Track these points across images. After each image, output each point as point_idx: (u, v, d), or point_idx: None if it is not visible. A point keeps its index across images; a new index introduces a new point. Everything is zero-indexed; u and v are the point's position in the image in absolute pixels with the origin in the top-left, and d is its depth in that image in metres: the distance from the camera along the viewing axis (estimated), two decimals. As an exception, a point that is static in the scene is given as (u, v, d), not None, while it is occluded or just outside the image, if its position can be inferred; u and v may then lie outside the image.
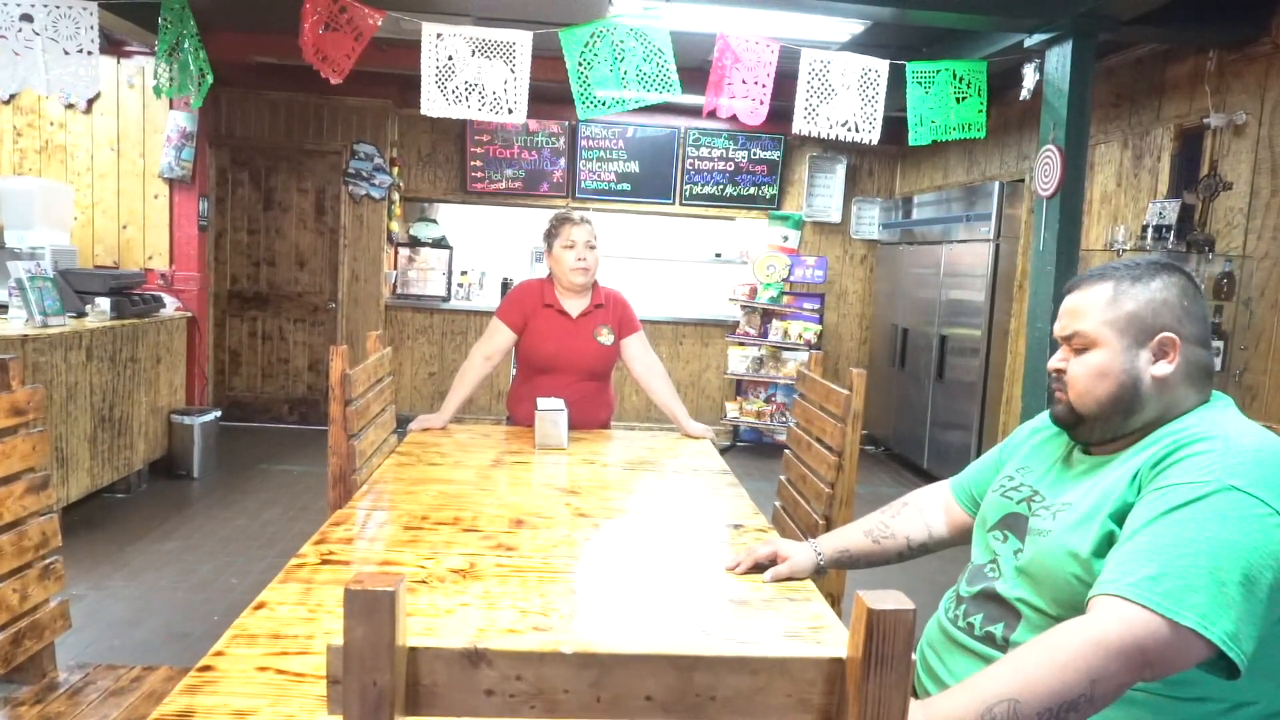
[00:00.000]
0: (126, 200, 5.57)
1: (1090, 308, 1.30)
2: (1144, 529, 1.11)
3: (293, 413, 6.58)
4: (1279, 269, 3.53)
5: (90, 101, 5.44)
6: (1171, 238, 3.72)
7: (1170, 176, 4.13)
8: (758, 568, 1.72)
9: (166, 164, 5.47)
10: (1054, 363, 1.36)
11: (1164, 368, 1.25)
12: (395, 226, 6.69)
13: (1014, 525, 1.38)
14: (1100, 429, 1.30)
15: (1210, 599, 1.02)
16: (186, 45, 3.50)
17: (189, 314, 5.48)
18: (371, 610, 0.67)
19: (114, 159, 5.54)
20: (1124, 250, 3.92)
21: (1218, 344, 3.65)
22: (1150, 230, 3.79)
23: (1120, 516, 1.18)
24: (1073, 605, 1.19)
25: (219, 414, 5.36)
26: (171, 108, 5.44)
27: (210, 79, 3.57)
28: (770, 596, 1.61)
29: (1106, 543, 1.17)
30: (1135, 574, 1.06)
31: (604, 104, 3.57)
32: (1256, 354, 3.60)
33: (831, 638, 1.46)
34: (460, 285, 7.03)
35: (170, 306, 5.28)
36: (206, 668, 1.23)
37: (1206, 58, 3.88)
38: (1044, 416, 1.53)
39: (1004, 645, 1.28)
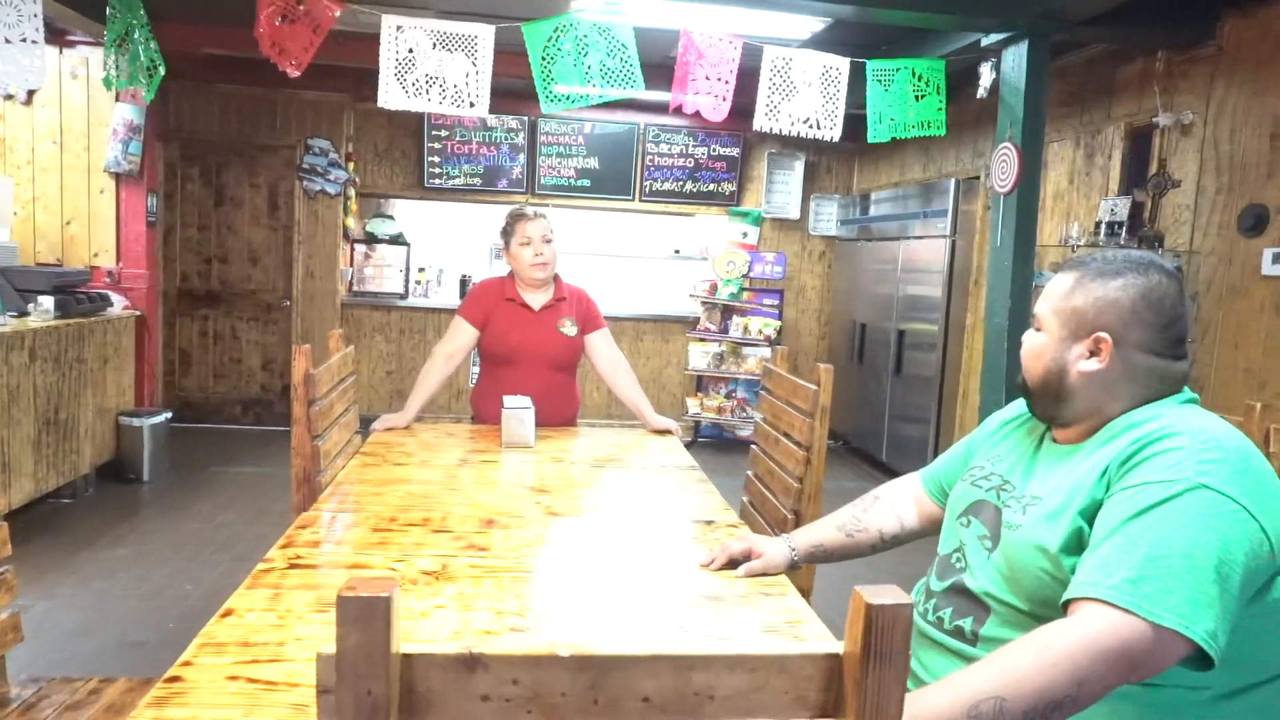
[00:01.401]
0: (70, 195, 5.40)
1: (1052, 293, 1.36)
2: (1120, 529, 1.12)
3: (246, 413, 6.44)
4: (1224, 264, 3.64)
5: (31, 93, 5.25)
6: (1123, 234, 3.81)
7: (1121, 174, 4.23)
8: (731, 563, 1.72)
9: (113, 158, 5.31)
10: (1024, 336, 1.43)
11: (1092, 365, 1.29)
12: (351, 223, 6.58)
13: (979, 511, 1.40)
14: (1041, 407, 1.38)
15: (1189, 599, 1.04)
16: (137, 36, 3.40)
17: (137, 313, 5.32)
18: (366, 616, 0.65)
19: (56, 152, 5.35)
20: (1078, 246, 4.00)
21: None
22: (1103, 227, 3.88)
23: (1089, 513, 1.19)
24: (1042, 600, 1.21)
25: (170, 415, 5.22)
26: (118, 100, 5.27)
27: (163, 71, 3.47)
28: (745, 592, 1.61)
29: (1075, 538, 1.19)
30: (1115, 576, 1.08)
31: (568, 99, 3.54)
32: (1203, 347, 3.70)
33: (809, 631, 1.46)
34: (418, 282, 6.94)
35: (118, 305, 5.13)
36: (174, 678, 1.19)
37: (1155, 59, 3.97)
38: (1014, 407, 1.56)
39: (973, 640, 1.29)
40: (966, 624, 1.31)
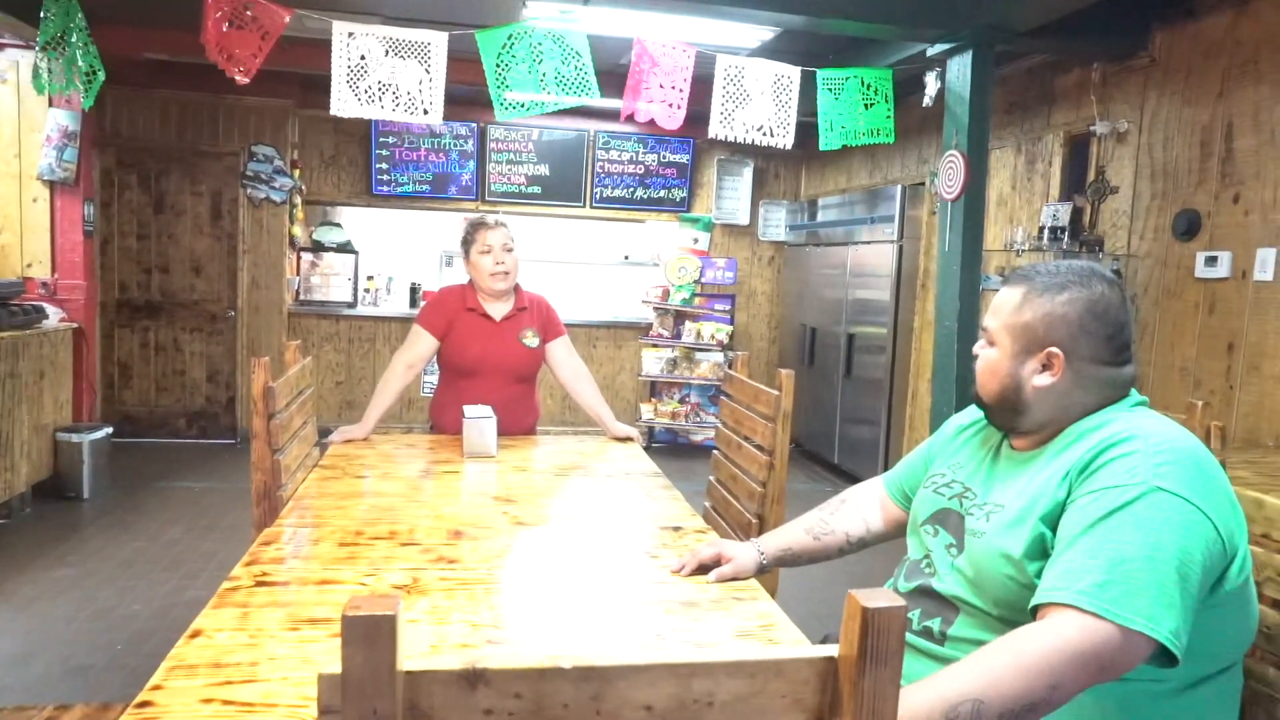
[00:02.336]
0: (0, 204, 5.20)
1: (1002, 307, 1.39)
2: (1084, 535, 1.16)
3: (191, 426, 6.27)
4: (1160, 267, 3.78)
5: (-42, 98, 5.05)
6: (1065, 238, 3.93)
7: (1062, 180, 4.37)
8: (702, 569, 1.73)
9: (46, 165, 5.14)
10: (975, 347, 1.46)
11: (1045, 379, 1.33)
12: (297, 231, 6.46)
13: (945, 520, 1.43)
14: (999, 419, 1.42)
15: (1153, 601, 1.09)
16: (74, 39, 3.29)
17: (74, 325, 5.15)
18: (372, 635, 0.65)
19: (-14, 160, 5.16)
20: (1023, 251, 4.13)
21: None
22: (1046, 231, 4.00)
23: (1051, 519, 1.24)
24: (1008, 603, 1.25)
25: (110, 430, 5.06)
26: (51, 105, 5.10)
27: (102, 76, 3.37)
28: (718, 597, 1.63)
29: (1039, 544, 1.23)
30: (1083, 581, 1.12)
31: (522, 106, 3.53)
32: (1141, 346, 3.84)
33: (782, 635, 1.48)
34: (367, 290, 6.84)
35: (54, 317, 4.96)
36: (145, 703, 1.16)
37: (1092, 70, 4.12)
38: (971, 412, 1.60)
39: (941, 639, 1.33)
40: (935, 624, 1.34)
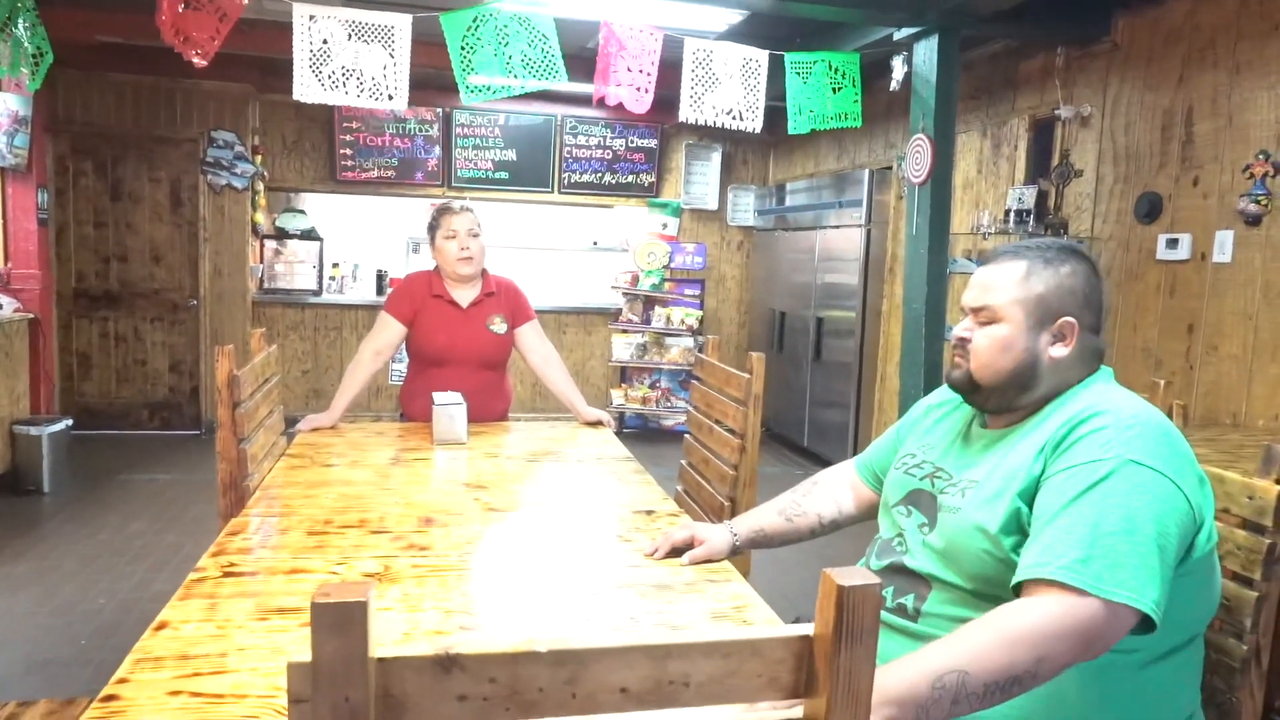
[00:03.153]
0: (-49, 192, 5.06)
1: (1003, 284, 1.36)
2: (1063, 511, 1.18)
3: (154, 418, 6.16)
4: (1122, 249, 3.84)
5: (-97, 82, 4.89)
6: (1031, 221, 3.97)
7: (1027, 164, 4.42)
8: (675, 551, 1.74)
9: (-3, 152, 5.00)
10: (959, 331, 1.42)
11: (1061, 350, 1.33)
12: (260, 218, 6.35)
13: (918, 501, 1.44)
14: (996, 399, 1.37)
15: (1134, 573, 1.11)
16: (21, 21, 3.19)
17: (30, 315, 5.03)
18: (343, 623, 0.64)
19: (-66, 146, 5.00)
20: (989, 234, 4.17)
21: (1072, 320, 3.93)
22: (1012, 214, 4.04)
23: (1027, 495, 1.25)
24: (984, 578, 1.27)
25: (70, 423, 4.96)
26: (0, 89, 4.96)
27: (50, 58, 3.27)
28: (692, 580, 1.63)
29: (1015, 519, 1.25)
30: (1065, 557, 1.13)
31: (488, 90, 3.49)
32: (1105, 328, 3.90)
33: (755, 615, 1.49)
34: (332, 278, 6.75)
35: (8, 308, 4.84)
36: (111, 697, 1.14)
37: (1056, 54, 4.16)
38: (940, 393, 1.61)
39: (915, 615, 1.34)
40: (909, 601, 1.36)
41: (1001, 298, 1.36)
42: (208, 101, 6.01)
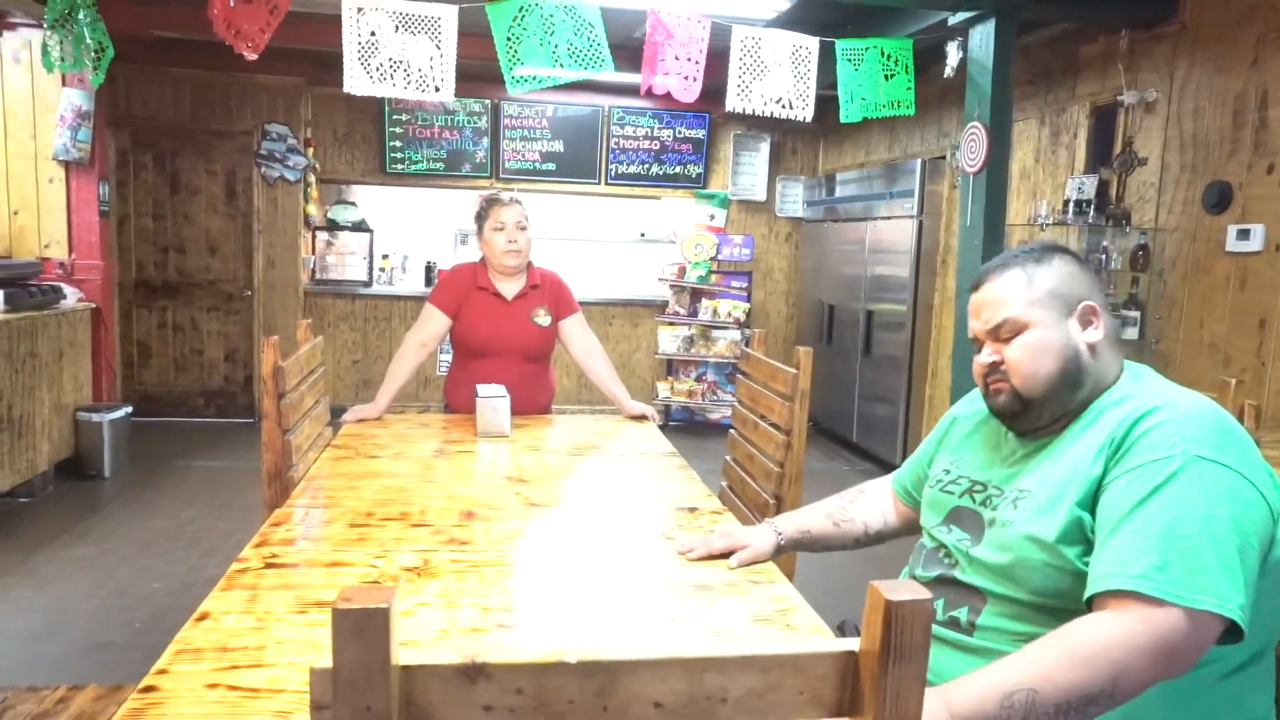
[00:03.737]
0: (17, 185, 5.20)
1: (1010, 295, 1.31)
2: (1130, 515, 1.11)
3: (209, 406, 6.30)
4: (1188, 241, 3.68)
5: (-28, 78, 5.05)
6: (1091, 212, 3.84)
7: (1087, 152, 4.26)
8: (711, 558, 1.70)
9: (61, 145, 5.13)
10: (985, 358, 1.34)
11: (1094, 334, 1.29)
12: (312, 210, 6.44)
13: (959, 519, 1.38)
14: (1049, 409, 1.29)
15: (1217, 577, 1.03)
16: (81, 16, 3.26)
17: (92, 305, 5.16)
18: (364, 630, 0.62)
19: (0, 140, 5.16)
20: (1047, 225, 4.03)
21: (1135, 314, 3.79)
22: (1071, 205, 3.91)
23: (1087, 502, 1.18)
24: (1045, 590, 1.20)
25: (130, 410, 5.08)
26: (65, 85, 5.09)
27: (110, 52, 3.34)
28: (734, 580, 1.59)
29: (1076, 528, 1.18)
30: (1138, 564, 1.06)
31: (534, 80, 3.47)
32: (1169, 323, 3.75)
33: (800, 620, 1.45)
34: (382, 270, 6.83)
35: (71, 298, 4.97)
36: (150, 688, 1.14)
37: (1119, 37, 4.00)
38: (965, 403, 1.55)
39: (969, 629, 1.27)
40: (962, 614, 1.29)
41: (1017, 306, 1.30)
42: (261, 95, 6.10)
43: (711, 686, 0.71)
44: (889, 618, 0.68)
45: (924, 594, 0.69)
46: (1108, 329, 1.30)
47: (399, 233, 6.98)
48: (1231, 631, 1.04)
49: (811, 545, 1.70)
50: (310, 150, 6.30)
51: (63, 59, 3.30)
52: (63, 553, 3.75)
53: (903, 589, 0.69)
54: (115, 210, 5.88)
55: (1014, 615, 1.24)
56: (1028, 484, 1.28)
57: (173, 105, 6.00)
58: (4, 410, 4.12)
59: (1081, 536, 1.17)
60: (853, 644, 0.73)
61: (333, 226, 6.70)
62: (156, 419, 6.13)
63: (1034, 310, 1.29)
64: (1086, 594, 1.11)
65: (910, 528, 1.66)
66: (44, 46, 3.23)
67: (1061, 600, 1.17)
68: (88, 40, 3.25)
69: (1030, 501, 1.25)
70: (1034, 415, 1.30)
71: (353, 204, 6.83)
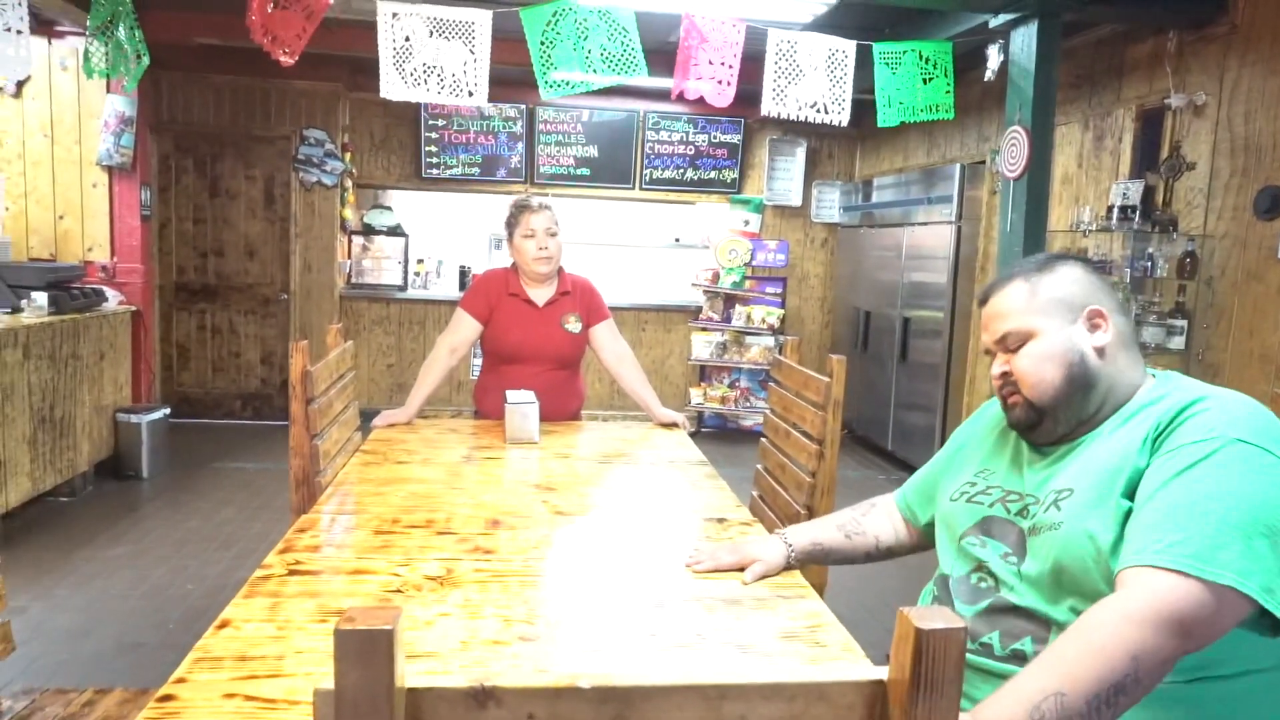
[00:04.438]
0: (62, 189, 5.32)
1: (1013, 306, 1.32)
2: (1158, 494, 1.08)
3: (245, 408, 6.38)
4: (1239, 248, 3.57)
5: (20, 84, 5.17)
6: (1137, 218, 3.74)
7: (1132, 157, 4.15)
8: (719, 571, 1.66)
9: (105, 151, 5.23)
10: (996, 370, 1.35)
11: (1101, 337, 1.28)
12: (348, 214, 6.50)
13: (990, 529, 1.33)
14: (1064, 418, 1.28)
15: (1240, 554, 1.00)
16: (121, 24, 3.31)
17: (133, 308, 5.26)
18: (367, 652, 0.59)
19: (48, 145, 5.27)
20: (1090, 231, 3.93)
21: (1182, 323, 3.68)
22: (1115, 211, 3.80)
23: (1133, 492, 1.15)
24: (1098, 596, 1.14)
25: (168, 411, 5.16)
26: (109, 91, 5.19)
27: (146, 60, 3.39)
28: (763, 595, 1.55)
29: (1124, 522, 1.14)
30: (1160, 541, 1.03)
31: (567, 85, 3.46)
32: (1217, 332, 3.63)
33: (830, 637, 1.40)
34: (417, 274, 6.87)
35: (113, 300, 5.06)
36: (167, 697, 1.13)
37: (1166, 38, 3.89)
38: (978, 418, 1.53)
39: None
40: (1026, 645, 1.21)
41: (1020, 317, 1.31)
42: (300, 100, 6.17)
43: (731, 715, 0.68)
44: (919, 647, 0.64)
45: (957, 623, 0.65)
46: (1119, 332, 1.29)
47: (434, 237, 7.02)
48: (1269, 622, 1.01)
49: (824, 558, 1.66)
50: (347, 155, 6.36)
51: (104, 65, 3.35)
52: (101, 552, 3.81)
53: (935, 617, 0.66)
54: (156, 214, 5.99)
55: None
56: (1065, 483, 1.24)
57: (213, 111, 6.09)
58: (46, 410, 4.20)
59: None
60: (881, 673, 0.69)
61: (368, 231, 6.76)
62: (194, 420, 6.22)
63: (1036, 318, 1.29)
64: (1114, 572, 1.08)
65: (921, 544, 1.62)
66: (86, 53, 3.29)
67: None
68: (127, 47, 3.30)
69: (1075, 500, 1.20)
70: (1049, 426, 1.30)
71: (388, 208, 6.88)
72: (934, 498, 1.53)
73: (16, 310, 4.27)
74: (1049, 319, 1.28)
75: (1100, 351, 1.27)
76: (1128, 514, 1.13)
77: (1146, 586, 1.01)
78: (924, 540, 1.60)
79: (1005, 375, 1.32)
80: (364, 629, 0.59)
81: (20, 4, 2.92)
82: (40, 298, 4.31)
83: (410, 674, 1.14)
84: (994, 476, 1.39)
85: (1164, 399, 1.21)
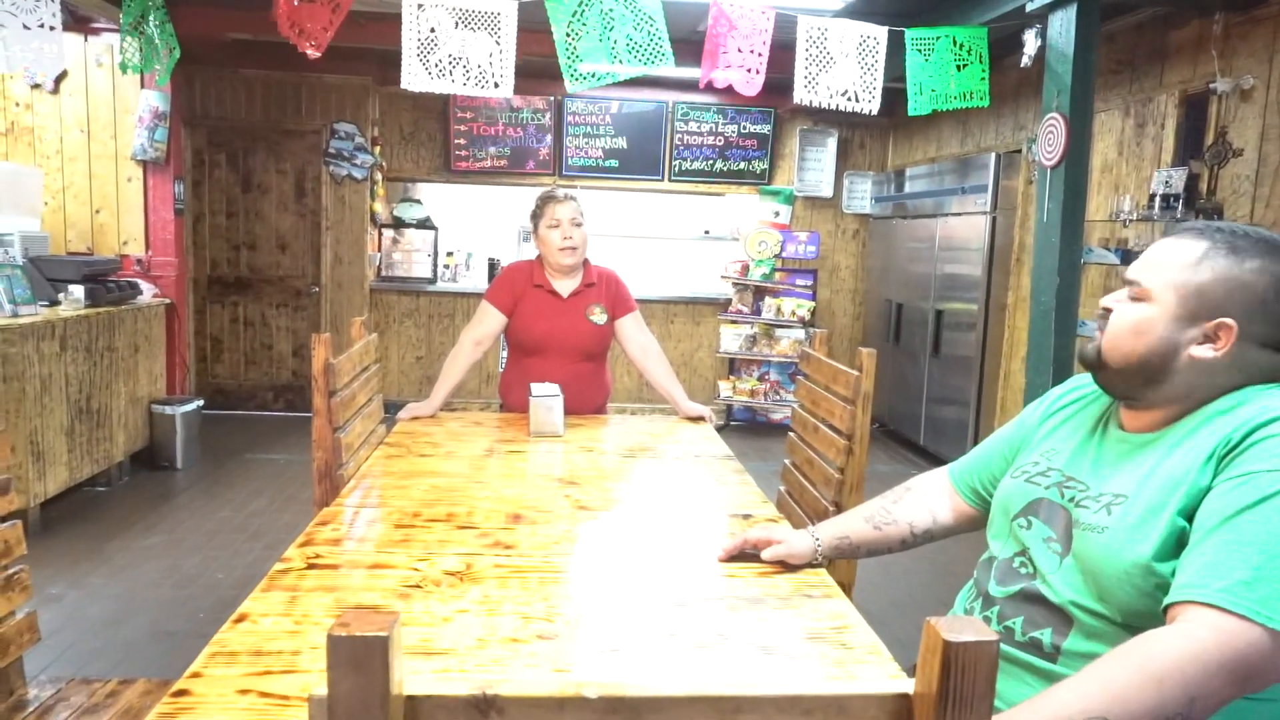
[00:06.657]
0: (99, 184, 5.39)
1: (1169, 262, 1.19)
2: (1226, 523, 1.01)
3: (277, 400, 6.44)
4: (1288, 237, 3.44)
5: (57, 81, 5.24)
6: (1180, 207, 3.62)
7: (1175, 144, 4.03)
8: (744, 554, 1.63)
9: (139, 145, 5.29)
10: (1106, 300, 1.27)
11: (1207, 352, 1.15)
12: (378, 207, 6.53)
13: (1037, 510, 1.28)
14: (1120, 384, 1.23)
15: None
16: (152, 19, 3.34)
17: (167, 301, 5.32)
18: (361, 659, 0.57)
19: (84, 141, 5.35)
20: (1130, 221, 3.83)
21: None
22: (1157, 199, 3.69)
23: (1190, 511, 1.08)
24: (1138, 611, 1.10)
25: (201, 403, 5.22)
26: (143, 87, 5.25)
27: (177, 54, 3.42)
28: (787, 594, 1.52)
29: (1174, 541, 1.08)
30: (1226, 578, 0.97)
31: (593, 77, 3.43)
32: None
33: (857, 639, 1.36)
34: (446, 267, 6.88)
35: (147, 293, 5.12)
36: (182, 691, 1.12)
37: (1212, 21, 3.77)
38: (1062, 391, 1.44)
39: (1053, 654, 1.17)
40: (1045, 636, 1.18)
41: (1158, 278, 1.19)
42: (330, 94, 6.20)
43: (746, 728, 0.64)
44: (948, 661, 0.60)
45: (988, 635, 0.61)
46: (1245, 361, 1.15)
47: (463, 230, 7.03)
48: None
49: (853, 552, 1.61)
50: (377, 149, 6.38)
51: (137, 60, 3.38)
52: (135, 542, 3.86)
53: (965, 628, 0.62)
54: (190, 208, 6.05)
55: (1105, 636, 1.13)
56: (1123, 487, 1.17)
57: (245, 106, 6.14)
58: (83, 402, 4.26)
59: (1180, 548, 1.07)
60: (907, 685, 0.65)
61: (398, 224, 6.78)
62: (227, 412, 6.29)
63: (1166, 292, 1.18)
64: (1166, 601, 1.02)
65: (966, 525, 1.55)
66: (120, 48, 3.32)
67: (1155, 621, 1.07)
68: (158, 42, 3.33)
69: (1127, 509, 1.14)
70: (1105, 378, 1.27)
71: (418, 201, 6.90)
72: (997, 476, 1.46)
73: (54, 303, 4.33)
74: (1178, 301, 1.17)
75: (1195, 363, 1.16)
76: (1178, 531, 1.08)
77: (1214, 628, 0.95)
78: (975, 521, 1.53)
79: (1107, 311, 1.26)
80: (358, 635, 0.57)
81: (52, 1, 2.94)
82: (77, 291, 4.37)
83: (423, 673, 1.12)
84: (1056, 457, 1.32)
85: (1237, 409, 1.13)
